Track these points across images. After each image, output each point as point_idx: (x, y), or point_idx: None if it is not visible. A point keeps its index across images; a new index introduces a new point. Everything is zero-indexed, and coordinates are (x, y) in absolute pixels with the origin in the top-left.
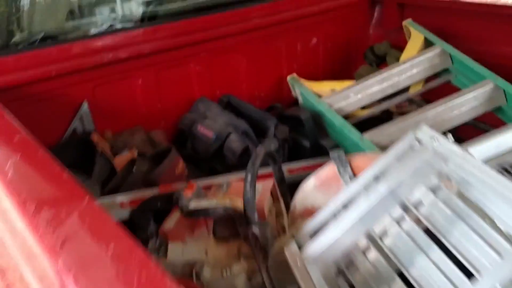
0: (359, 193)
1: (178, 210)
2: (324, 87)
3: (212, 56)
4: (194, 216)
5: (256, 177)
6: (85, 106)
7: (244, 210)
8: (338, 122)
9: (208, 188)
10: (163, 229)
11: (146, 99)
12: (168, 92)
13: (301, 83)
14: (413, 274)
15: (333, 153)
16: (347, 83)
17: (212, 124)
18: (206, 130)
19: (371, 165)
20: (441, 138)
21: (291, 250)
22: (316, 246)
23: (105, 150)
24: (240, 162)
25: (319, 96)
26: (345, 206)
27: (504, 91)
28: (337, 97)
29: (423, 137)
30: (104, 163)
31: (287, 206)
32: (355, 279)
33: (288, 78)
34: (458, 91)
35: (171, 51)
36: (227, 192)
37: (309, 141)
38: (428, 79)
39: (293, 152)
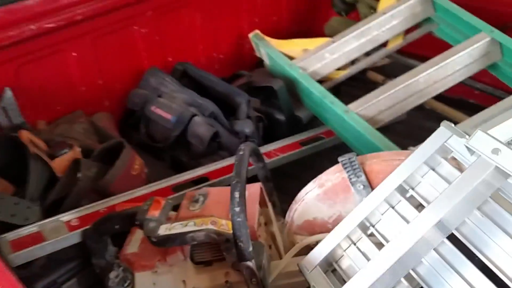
0: (379, 208)
1: (138, 230)
2: (294, 46)
3: (159, 15)
4: (167, 245)
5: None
6: (7, 94)
7: (235, 241)
8: (317, 91)
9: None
10: (125, 255)
11: (84, 76)
12: (110, 65)
13: (267, 42)
14: None
15: (343, 158)
16: (319, 40)
17: (170, 104)
18: (163, 112)
19: (392, 172)
20: (506, 150)
21: None
22: None
23: (40, 150)
24: (210, 150)
25: (290, 58)
26: (363, 226)
27: (500, 44)
28: (311, 59)
29: (479, 146)
30: (40, 168)
31: (274, 205)
32: None
33: (251, 35)
34: (451, 48)
35: (109, 14)
36: (204, 206)
37: (284, 114)
38: (407, 31)
39: (267, 128)
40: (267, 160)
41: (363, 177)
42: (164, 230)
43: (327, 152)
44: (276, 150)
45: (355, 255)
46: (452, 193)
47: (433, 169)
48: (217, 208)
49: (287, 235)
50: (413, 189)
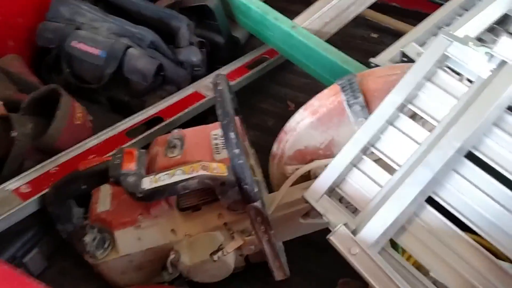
0: (382, 130)
1: (104, 187)
2: None
3: None
4: (155, 199)
5: None
6: None
7: (239, 184)
8: (257, 6)
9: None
10: (98, 214)
11: None
12: None
13: None
14: None
15: (341, 81)
16: None
17: (94, 37)
18: (88, 47)
19: (388, 89)
20: None
21: (339, 235)
22: (374, 228)
23: None
24: (154, 86)
25: None
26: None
27: None
28: None
29: (506, 52)
30: None
31: None
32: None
33: None
34: None
35: None
36: (184, 151)
37: (223, 36)
38: None
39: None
40: None
41: (361, 98)
42: (148, 183)
43: (270, 72)
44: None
45: (362, 180)
46: (469, 108)
47: (434, 83)
48: (198, 151)
49: (277, 167)
50: (415, 105)
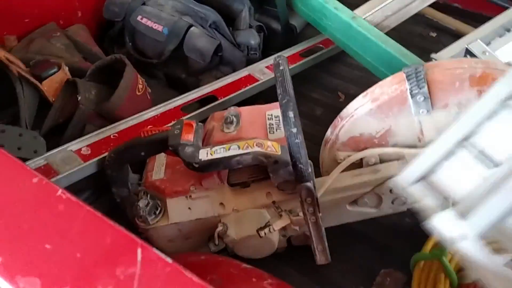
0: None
1: (159, 156)
2: None
3: None
4: (209, 170)
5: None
6: None
7: (294, 163)
8: None
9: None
10: (152, 181)
11: None
12: None
13: None
14: None
15: (408, 69)
16: None
17: (159, 13)
18: (152, 23)
19: (452, 82)
20: None
21: (442, 220)
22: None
23: (21, 71)
24: (211, 65)
25: None
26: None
27: None
28: None
29: None
30: (28, 91)
31: None
32: None
33: None
34: None
35: None
36: (240, 127)
37: (280, 22)
38: None
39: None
40: (273, 75)
41: (425, 88)
42: (205, 154)
43: (323, 63)
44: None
45: (458, 170)
46: None
47: None
48: (254, 129)
49: (328, 152)
50: None
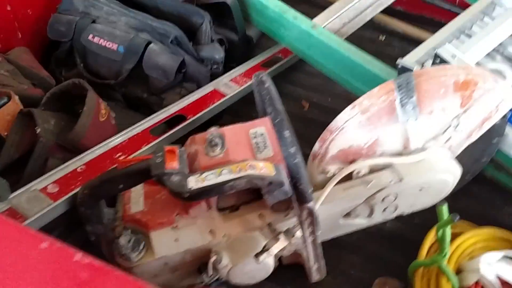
0: None
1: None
2: None
3: None
4: (201, 198)
5: None
6: None
7: (295, 184)
8: (274, 5)
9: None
10: (132, 215)
11: None
12: None
13: None
14: None
15: (400, 79)
16: None
17: (112, 31)
18: (105, 41)
19: (438, 89)
20: None
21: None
22: None
23: None
24: (174, 83)
25: None
26: None
27: None
28: None
29: None
30: None
31: None
32: None
33: None
34: None
35: None
36: (226, 150)
37: (238, 34)
38: None
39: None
40: (239, 88)
41: (414, 98)
42: (195, 182)
43: (282, 72)
44: (242, 76)
45: None
46: None
47: None
48: (241, 150)
49: (317, 166)
50: None
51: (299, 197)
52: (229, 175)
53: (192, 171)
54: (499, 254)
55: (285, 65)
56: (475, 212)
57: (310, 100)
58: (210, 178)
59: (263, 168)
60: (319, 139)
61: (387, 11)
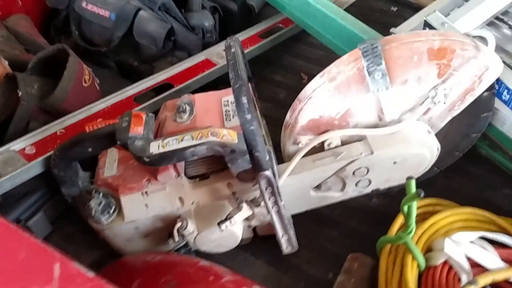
0: None
1: (110, 151)
2: None
3: None
4: (162, 164)
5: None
6: None
7: (251, 151)
8: None
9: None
10: (104, 179)
11: None
12: None
13: None
14: None
15: (364, 45)
16: None
17: None
18: (98, 8)
19: (411, 56)
20: None
21: None
22: None
23: None
24: (164, 51)
25: None
26: None
27: None
28: None
29: None
30: None
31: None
32: None
33: None
34: None
35: None
36: (194, 116)
37: (236, 3)
38: None
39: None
40: None
41: (383, 65)
42: (156, 147)
43: (284, 44)
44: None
45: None
46: None
47: None
48: (209, 117)
49: (289, 136)
50: None
51: (255, 165)
52: (190, 141)
53: (159, 136)
54: (475, 234)
55: (285, 35)
56: (469, 192)
57: (310, 72)
58: (171, 144)
59: (226, 136)
60: (290, 108)
61: None
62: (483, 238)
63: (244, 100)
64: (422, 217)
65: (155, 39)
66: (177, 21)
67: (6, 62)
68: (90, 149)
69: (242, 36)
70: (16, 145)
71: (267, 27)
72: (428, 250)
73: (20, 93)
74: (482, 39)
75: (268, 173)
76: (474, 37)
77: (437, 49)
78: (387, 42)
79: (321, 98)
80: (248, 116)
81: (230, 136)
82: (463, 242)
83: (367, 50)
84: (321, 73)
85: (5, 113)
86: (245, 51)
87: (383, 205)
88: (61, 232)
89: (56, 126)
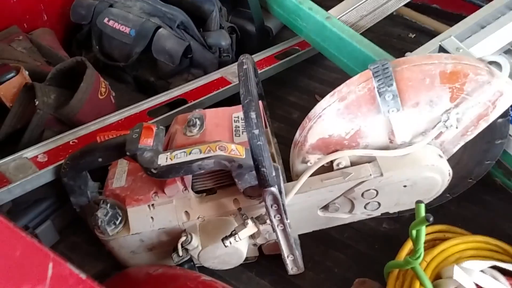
0: None
1: (120, 163)
2: None
3: None
4: (169, 176)
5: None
6: None
7: (257, 166)
8: None
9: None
10: (112, 190)
11: None
12: None
13: None
14: None
15: (375, 65)
16: None
17: (126, 15)
18: (119, 25)
19: (422, 78)
20: None
21: None
22: None
23: None
24: (181, 68)
25: None
26: None
27: None
28: None
29: None
30: None
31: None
32: None
33: None
34: None
35: None
36: (203, 130)
37: (255, 24)
38: None
39: (237, 41)
40: None
41: (393, 86)
42: (164, 159)
43: (300, 66)
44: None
45: None
46: None
47: None
48: (218, 132)
49: (298, 155)
50: None
51: (261, 180)
52: (198, 155)
53: (169, 149)
54: (486, 263)
55: (300, 57)
56: (483, 221)
57: (324, 94)
58: (179, 157)
59: (234, 150)
60: (299, 127)
61: (422, 8)
62: (494, 267)
63: (253, 115)
64: (432, 244)
65: (172, 56)
66: (194, 40)
67: (27, 73)
68: (100, 159)
69: (259, 56)
70: (29, 152)
71: (283, 49)
72: (437, 277)
73: (37, 102)
74: (497, 64)
75: (274, 189)
76: (488, 62)
77: (449, 73)
78: (398, 63)
79: (331, 117)
80: (256, 131)
81: (238, 151)
82: (474, 271)
83: (378, 71)
84: (331, 92)
85: (22, 121)
86: (261, 71)
87: (394, 231)
88: (68, 241)
89: (70, 136)
